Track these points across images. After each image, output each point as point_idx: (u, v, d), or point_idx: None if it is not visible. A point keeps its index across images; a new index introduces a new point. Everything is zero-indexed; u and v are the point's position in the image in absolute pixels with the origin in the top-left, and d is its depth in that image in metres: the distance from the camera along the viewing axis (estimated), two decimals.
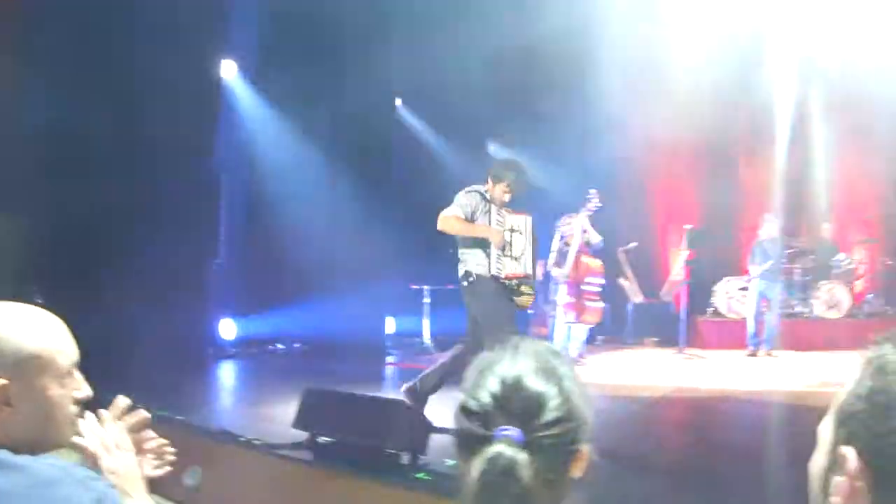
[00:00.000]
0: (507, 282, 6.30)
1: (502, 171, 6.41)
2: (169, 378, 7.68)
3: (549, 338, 10.87)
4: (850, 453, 1.06)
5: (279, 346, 12.34)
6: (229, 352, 11.68)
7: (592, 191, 10.27)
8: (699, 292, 13.63)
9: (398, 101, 14.47)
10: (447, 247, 6.82)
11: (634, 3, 11.48)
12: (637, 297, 13.59)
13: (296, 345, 12.36)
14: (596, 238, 10.63)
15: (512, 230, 6.32)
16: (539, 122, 12.96)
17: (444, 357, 6.49)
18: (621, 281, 13.48)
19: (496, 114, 13.63)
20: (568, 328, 10.78)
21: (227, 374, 10.84)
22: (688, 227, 11.96)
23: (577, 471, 1.49)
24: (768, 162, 13.86)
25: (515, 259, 6.30)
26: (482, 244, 6.29)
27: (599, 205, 10.23)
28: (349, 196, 12.24)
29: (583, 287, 10.64)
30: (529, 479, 1.39)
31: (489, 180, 6.40)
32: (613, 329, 13.40)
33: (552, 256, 10.85)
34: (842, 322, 12.74)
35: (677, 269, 12.27)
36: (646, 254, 14.03)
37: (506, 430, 1.42)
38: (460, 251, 6.42)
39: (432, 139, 14.56)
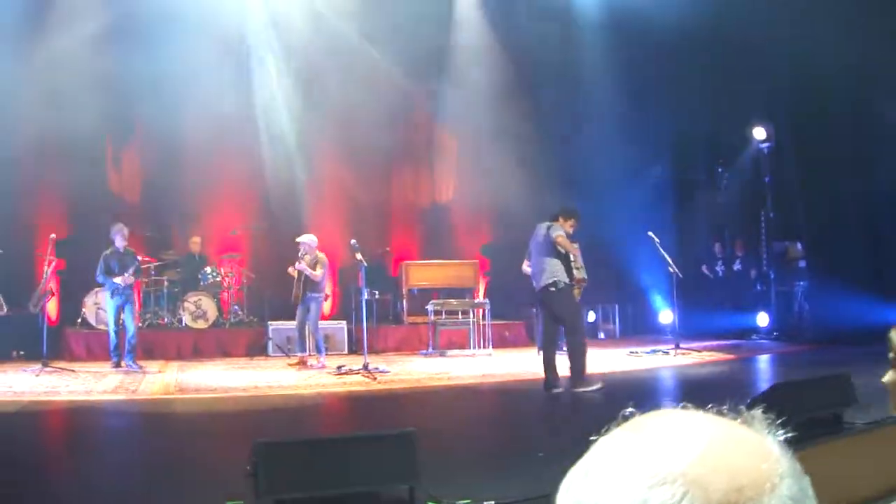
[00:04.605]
0: (577, 284, 9.87)
1: (574, 212, 10.10)
2: None
3: None
4: None
5: None
6: None
7: None
8: (70, 303, 14.04)
9: None
10: None
11: None
12: (0, 309, 13.45)
13: None
14: None
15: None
16: None
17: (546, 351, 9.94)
18: None
19: None
20: None
21: None
22: (53, 236, 12.22)
23: None
24: (136, 173, 14.93)
25: (579, 269, 9.92)
26: (566, 260, 9.76)
27: None
28: None
29: None
30: None
31: (572, 218, 10.01)
32: None
33: None
34: (209, 332, 14.25)
35: (45, 279, 12.46)
36: (14, 262, 13.95)
37: None
38: (550, 264, 9.72)
39: None
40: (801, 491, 0.86)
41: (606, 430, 0.92)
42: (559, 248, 9.72)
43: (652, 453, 0.85)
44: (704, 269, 17.88)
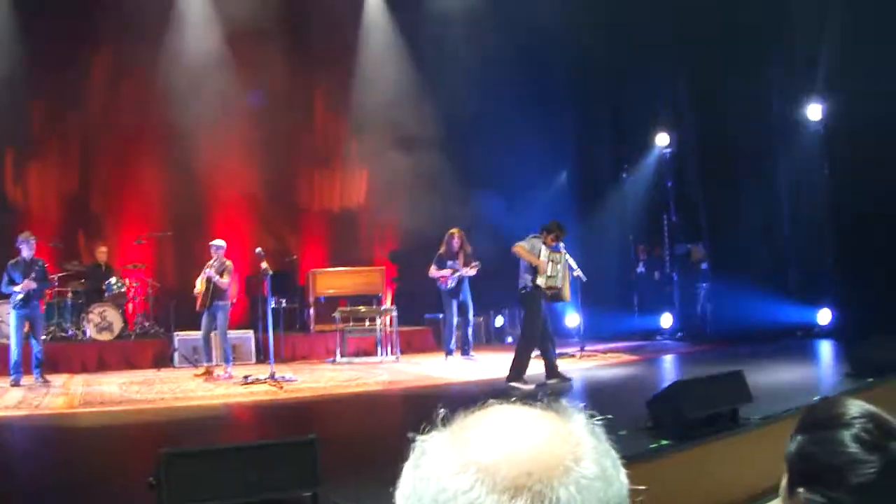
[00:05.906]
0: (546, 291, 10.71)
1: (556, 227, 10.95)
2: None
3: None
4: None
5: None
6: None
7: None
8: None
9: None
10: None
11: None
12: None
13: None
14: None
15: (550, 261, 10.73)
16: None
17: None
18: None
19: None
20: None
21: None
22: None
23: None
24: (39, 183, 14.61)
25: (551, 278, 10.69)
26: (532, 270, 10.66)
27: None
28: None
29: None
30: None
31: (552, 233, 10.85)
32: None
33: None
34: (114, 343, 14.02)
35: None
36: None
37: None
38: (522, 272, 10.77)
39: None
40: (601, 470, 0.94)
41: (425, 430, 1.01)
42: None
43: (457, 446, 0.96)
44: (641, 266, 18.40)
